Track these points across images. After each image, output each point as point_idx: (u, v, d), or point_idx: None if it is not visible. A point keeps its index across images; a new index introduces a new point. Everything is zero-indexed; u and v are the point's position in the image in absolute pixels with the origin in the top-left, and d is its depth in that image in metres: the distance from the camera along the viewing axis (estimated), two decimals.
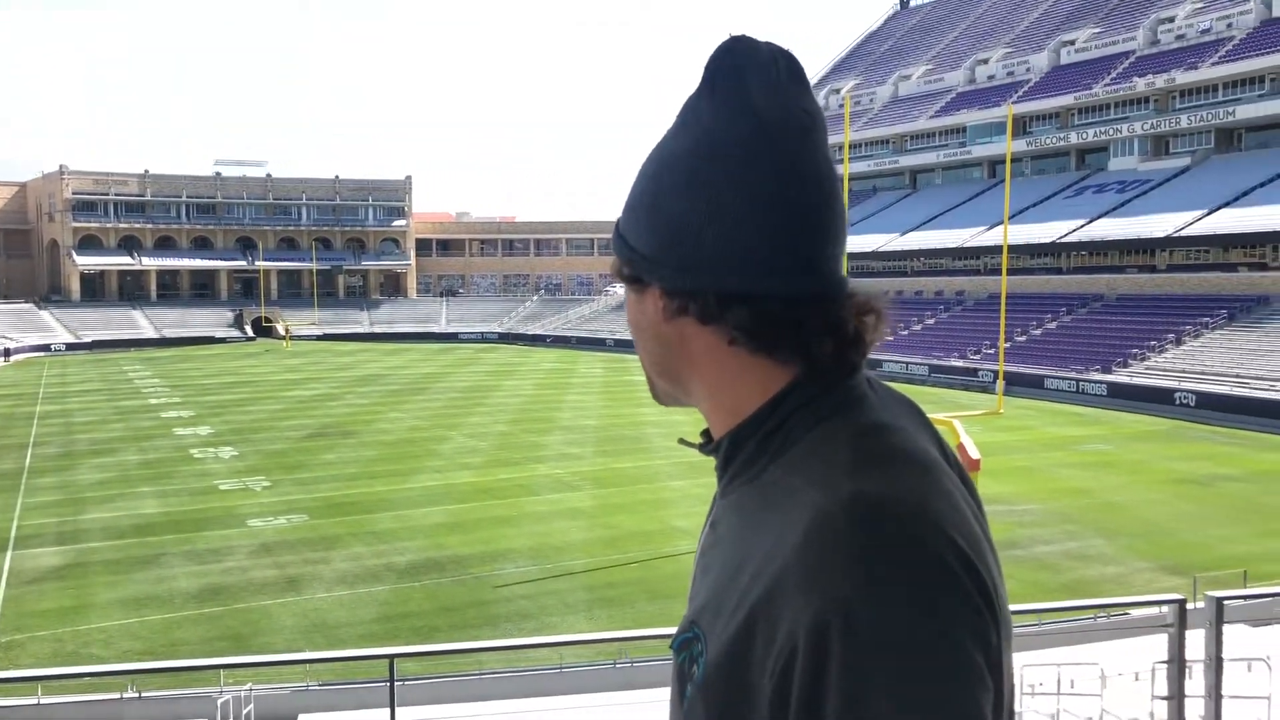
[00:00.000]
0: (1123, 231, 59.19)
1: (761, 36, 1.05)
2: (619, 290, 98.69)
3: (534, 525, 22.76)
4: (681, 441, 1.19)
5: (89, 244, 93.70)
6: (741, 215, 1.00)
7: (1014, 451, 31.13)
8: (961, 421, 23.30)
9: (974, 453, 20.77)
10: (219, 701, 10.14)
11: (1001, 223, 40.90)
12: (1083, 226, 61.98)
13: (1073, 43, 77.92)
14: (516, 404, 44.38)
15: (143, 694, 11.96)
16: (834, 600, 0.88)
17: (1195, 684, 4.74)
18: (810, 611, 0.89)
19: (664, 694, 1.18)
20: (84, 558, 20.51)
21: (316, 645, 15.36)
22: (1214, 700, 4.30)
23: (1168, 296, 54.20)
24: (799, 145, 1.01)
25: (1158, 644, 4.84)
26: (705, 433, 1.15)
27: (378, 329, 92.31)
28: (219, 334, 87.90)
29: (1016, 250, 60.25)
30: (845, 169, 39.93)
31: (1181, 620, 4.19)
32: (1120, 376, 46.14)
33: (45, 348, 77.31)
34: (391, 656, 5.04)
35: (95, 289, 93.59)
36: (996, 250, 58.23)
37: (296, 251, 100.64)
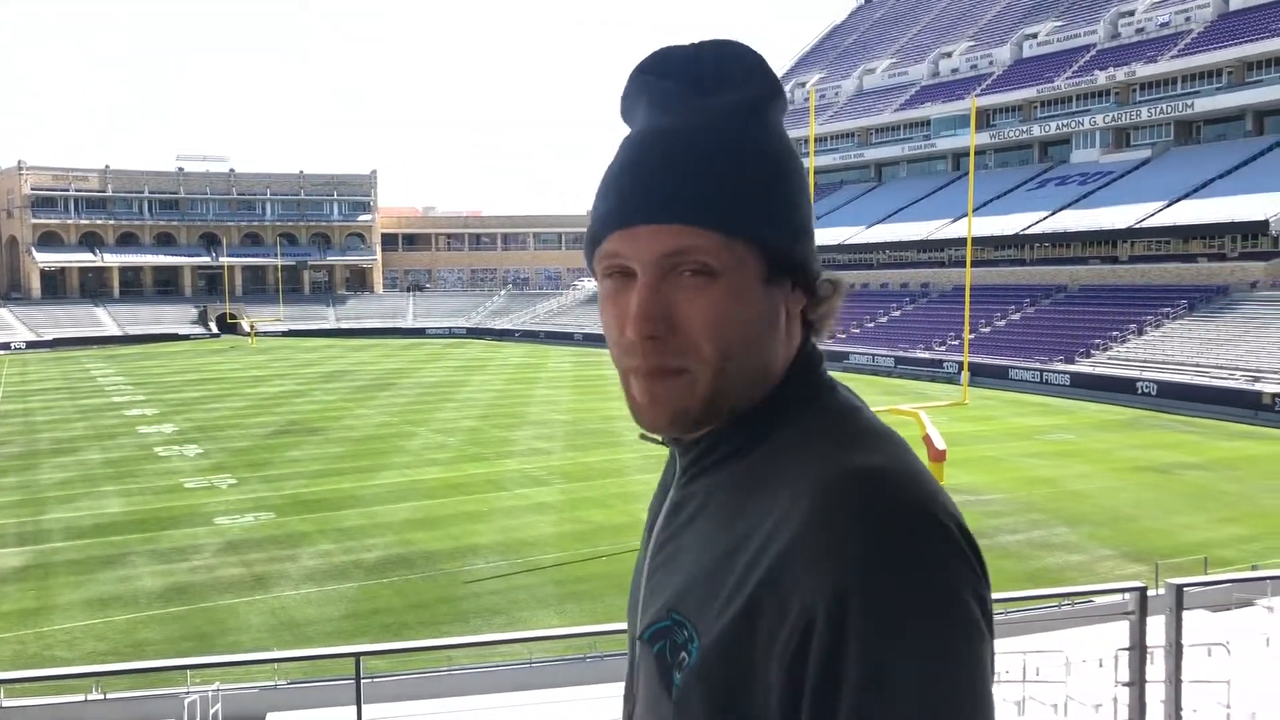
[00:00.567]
0: (1085, 223, 59.82)
1: (728, 33, 1.10)
2: (587, 284, 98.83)
3: (503, 520, 22.73)
4: (644, 437, 1.17)
5: (49, 241, 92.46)
6: (807, 206, 1.09)
7: (979, 442, 31.41)
8: (927, 412, 23.44)
9: (939, 443, 20.91)
10: (186, 701, 10.06)
11: (966, 215, 41.21)
12: (1046, 218, 62.58)
13: (1035, 36, 78.59)
14: (485, 399, 44.27)
15: (108, 695, 11.85)
16: (851, 572, 0.90)
17: (1157, 669, 4.82)
18: (828, 584, 0.91)
19: None
20: (46, 558, 20.27)
21: (284, 643, 15.27)
22: (1174, 685, 4.37)
23: (1129, 287, 54.85)
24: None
25: (1121, 631, 4.92)
26: None
27: (344, 325, 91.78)
28: (183, 331, 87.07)
29: (981, 242, 60.76)
30: (811, 163, 40.11)
31: (1142, 608, 4.26)
32: (1083, 366, 46.66)
33: (5, 346, 76.28)
34: (357, 655, 5.02)
35: (56, 286, 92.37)
36: (961, 242, 58.65)
37: (261, 247, 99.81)
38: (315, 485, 26.59)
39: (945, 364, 50.89)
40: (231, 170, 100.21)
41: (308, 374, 56.26)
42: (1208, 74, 62.87)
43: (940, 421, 28.91)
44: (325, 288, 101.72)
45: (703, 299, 1.02)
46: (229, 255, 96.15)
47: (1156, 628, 4.68)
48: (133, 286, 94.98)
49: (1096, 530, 21.42)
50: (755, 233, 1.03)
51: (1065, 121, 69.97)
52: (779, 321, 1.07)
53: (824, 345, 1.13)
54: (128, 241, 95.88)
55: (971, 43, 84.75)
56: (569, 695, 10.82)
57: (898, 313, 63.12)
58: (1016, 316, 57.02)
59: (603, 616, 16.07)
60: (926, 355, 53.66)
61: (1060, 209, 63.07)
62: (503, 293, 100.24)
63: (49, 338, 79.47)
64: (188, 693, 10.39)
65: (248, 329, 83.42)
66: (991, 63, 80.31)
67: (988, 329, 55.45)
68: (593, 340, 76.84)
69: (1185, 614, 4.62)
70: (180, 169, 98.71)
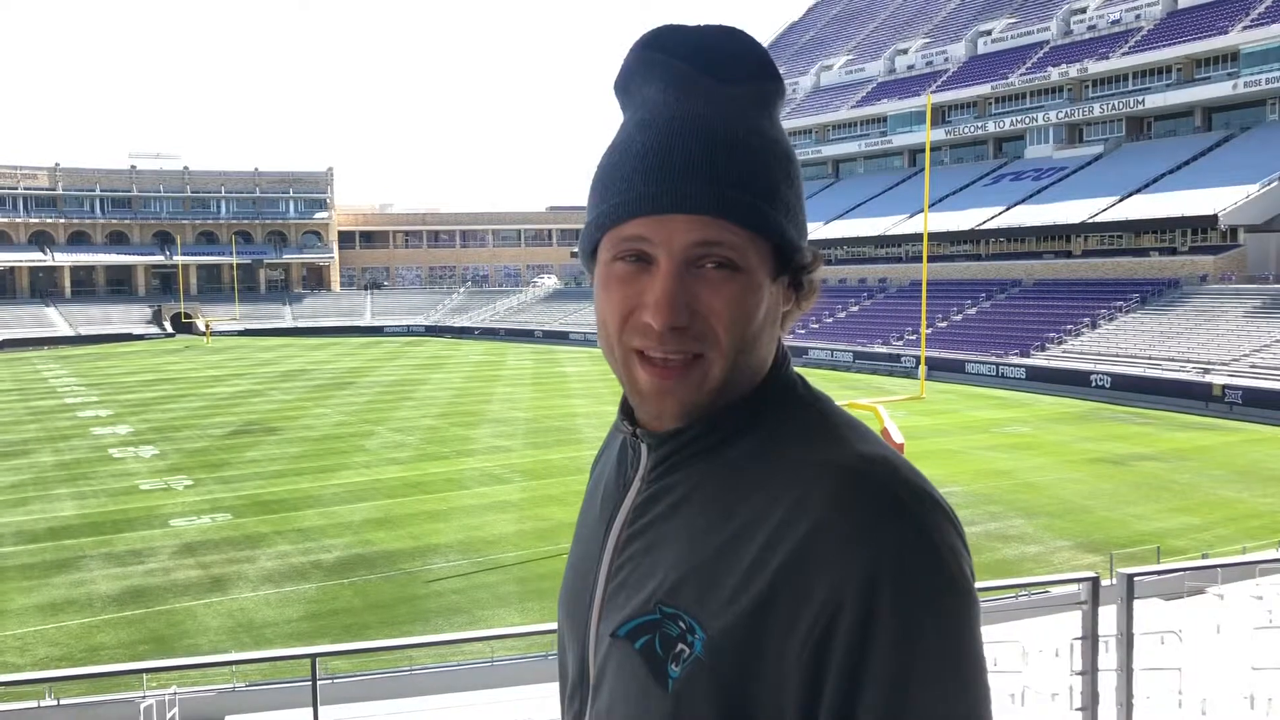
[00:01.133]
0: (1039, 218, 60.53)
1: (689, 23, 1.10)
2: (547, 281, 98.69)
3: (464, 519, 22.65)
4: (622, 429, 1.17)
5: None
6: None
7: (937, 435, 31.70)
8: (886, 406, 23.66)
9: (898, 437, 21.08)
10: (142, 706, 9.95)
11: (922, 211, 41.59)
12: (1001, 214, 63.25)
13: (989, 33, 79.39)
14: (444, 397, 44.06)
15: (61, 701, 11.68)
16: (881, 554, 0.93)
17: (1110, 658, 4.90)
18: (858, 566, 0.93)
19: None
20: None
21: (243, 645, 15.13)
22: (1125, 674, 4.44)
23: (1083, 281, 55.58)
24: None
25: (1075, 620, 4.99)
26: (631, 417, 1.14)
27: (301, 323, 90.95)
28: (137, 331, 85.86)
29: (937, 238, 61.31)
30: None
31: (1094, 597, 4.33)
32: (1038, 360, 47.23)
33: None
34: (313, 656, 4.99)
35: (5, 286, 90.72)
36: (917, 238, 59.19)
37: (216, 245, 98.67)
38: (273, 486, 26.35)
39: (903, 358, 51.32)
40: (186, 168, 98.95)
41: (265, 373, 55.71)
42: (1158, 71, 63.84)
43: (898, 415, 29.19)
44: (282, 286, 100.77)
45: (724, 292, 1.02)
46: (183, 254, 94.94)
47: (1109, 617, 4.76)
48: (85, 286, 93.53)
49: (1052, 521, 21.71)
50: (778, 232, 1.04)
51: (1019, 118, 70.77)
52: (778, 317, 1.08)
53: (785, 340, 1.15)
54: (79, 240, 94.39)
55: (927, 40, 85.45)
56: (531, 694, 10.80)
57: (856, 308, 63.55)
58: (973, 311, 57.60)
59: None
60: (885, 350, 54.08)
61: (1015, 204, 63.78)
62: (461, 290, 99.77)
63: None
64: (144, 697, 10.28)
65: (203, 328, 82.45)
66: (947, 59, 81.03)
67: (944, 324, 55.97)
68: (553, 337, 76.71)
69: (1139, 603, 4.69)
70: (133, 167, 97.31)
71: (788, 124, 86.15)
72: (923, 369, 33.20)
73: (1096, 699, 4.57)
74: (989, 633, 11.46)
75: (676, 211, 1.01)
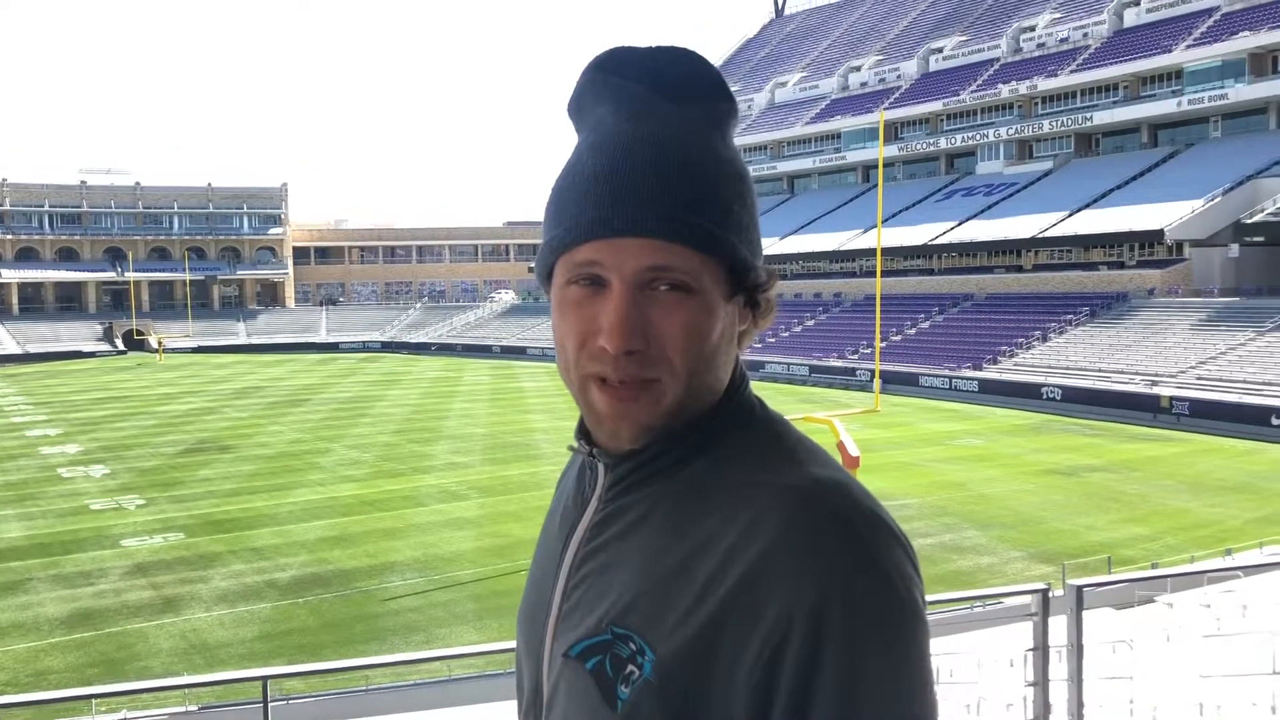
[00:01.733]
0: (990, 233, 61.34)
1: (641, 44, 1.10)
2: (505, 296, 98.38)
3: (421, 536, 22.50)
4: (573, 448, 1.16)
5: None
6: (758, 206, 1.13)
7: (891, 448, 31.97)
8: (841, 420, 23.82)
9: (853, 450, 21.23)
10: None
11: (876, 226, 42.02)
12: (953, 229, 64.03)
13: (940, 50, 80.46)
14: (401, 414, 43.78)
15: None
16: (833, 577, 0.94)
17: (1062, 668, 4.98)
18: (810, 589, 0.94)
19: None
20: None
21: (196, 668, 14.90)
22: (1076, 684, 4.52)
23: (1034, 295, 56.36)
24: None
25: (1029, 631, 5.06)
26: (586, 437, 1.13)
27: (255, 340, 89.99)
28: (88, 348, 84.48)
29: (890, 253, 61.91)
30: None
31: (1044, 609, 4.41)
32: (990, 373, 47.79)
33: None
34: (264, 678, 4.94)
35: None
36: (871, 253, 59.69)
37: (169, 262, 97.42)
38: (227, 504, 26.03)
39: (858, 372, 51.73)
40: (137, 184, 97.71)
41: (218, 391, 55.05)
42: (1105, 88, 65.05)
43: (854, 428, 29.40)
44: (236, 302, 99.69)
45: (678, 315, 1.02)
46: (135, 270, 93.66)
47: (1060, 627, 4.84)
48: (33, 303, 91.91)
49: (1006, 533, 21.96)
50: (731, 253, 1.04)
51: (971, 134, 71.75)
52: (734, 337, 1.09)
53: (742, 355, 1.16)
54: (27, 256, 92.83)
55: (880, 57, 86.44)
56: (489, 713, 10.75)
57: (811, 322, 63.99)
58: (926, 325, 58.20)
59: None
60: (840, 363, 54.49)
61: (967, 219, 64.60)
62: (418, 306, 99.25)
63: None
64: None
65: (155, 345, 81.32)
66: (899, 77, 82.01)
67: (898, 337, 56.51)
68: (511, 353, 76.51)
69: (1090, 613, 4.78)
70: (83, 182, 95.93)
71: (743, 140, 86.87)
72: (877, 382, 33.53)
73: (1048, 709, 4.65)
74: (944, 644, 11.56)
75: (628, 235, 1.01)
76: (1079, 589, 4.40)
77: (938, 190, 71.89)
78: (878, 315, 33.83)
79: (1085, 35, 69.51)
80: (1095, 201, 58.69)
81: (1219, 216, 51.38)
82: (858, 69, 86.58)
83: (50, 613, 17.78)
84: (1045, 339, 50.27)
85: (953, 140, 72.85)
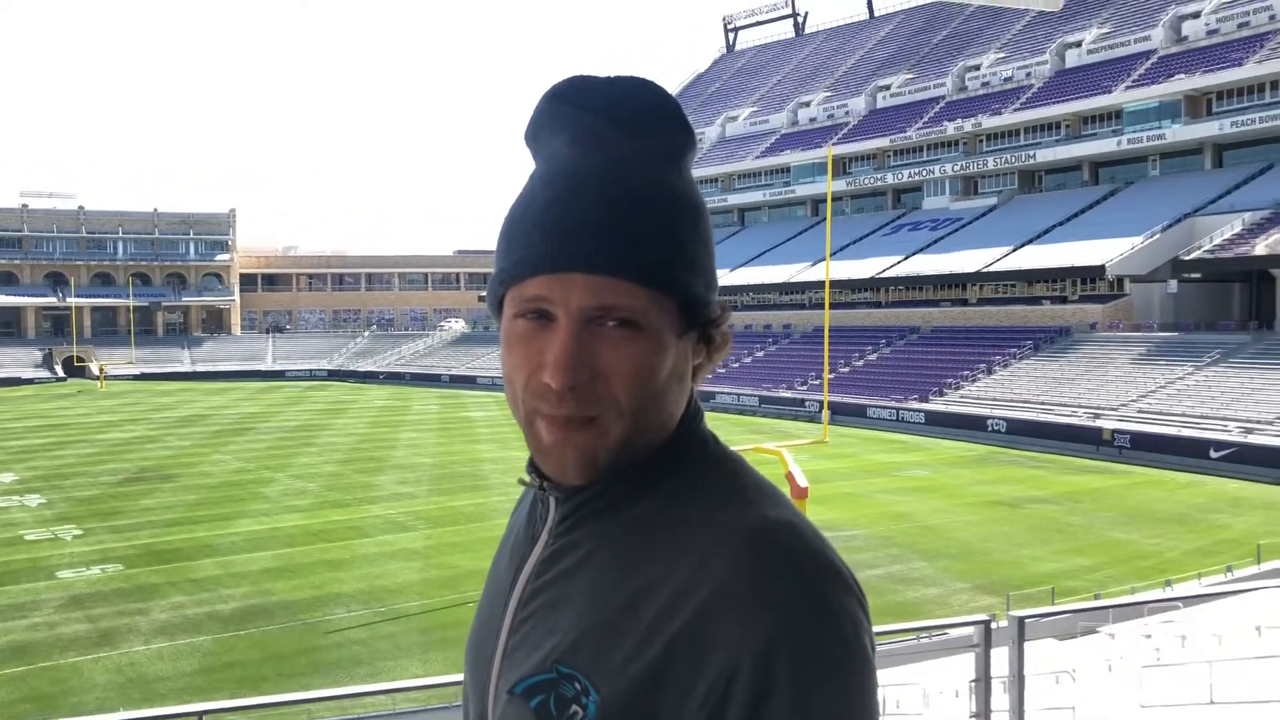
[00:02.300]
0: (936, 267, 62.25)
1: (599, 74, 1.09)
2: (454, 325, 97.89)
3: (366, 567, 22.23)
4: (523, 481, 1.14)
5: None
6: (713, 240, 1.10)
7: (839, 478, 32.18)
8: (790, 450, 23.95)
9: (802, 481, 21.32)
10: None
11: (825, 259, 42.46)
12: (900, 262, 64.89)
13: (888, 88, 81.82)
14: (347, 443, 43.32)
15: None
16: (779, 621, 0.92)
17: (1006, 699, 5.03)
18: (758, 633, 0.92)
19: None
20: None
21: (133, 702, 14.57)
22: (1017, 715, 4.57)
23: (979, 329, 57.19)
24: None
25: (973, 662, 5.11)
26: (536, 470, 1.10)
27: (200, 367, 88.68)
28: (26, 375, 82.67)
29: (839, 285, 62.58)
30: None
31: (986, 640, 4.46)
32: (936, 405, 48.34)
33: None
34: (204, 712, 4.86)
35: None
36: (820, 285, 60.28)
37: (112, 287, 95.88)
38: (168, 534, 25.55)
39: (807, 403, 52.07)
40: (81, 208, 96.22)
41: (161, 419, 54.15)
42: (1047, 126, 66.51)
43: (802, 459, 29.55)
44: (180, 329, 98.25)
45: (625, 351, 1.00)
46: (77, 295, 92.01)
47: (1003, 659, 4.89)
48: None
49: (952, 564, 22.15)
50: (682, 290, 1.03)
51: (917, 170, 72.93)
52: (687, 372, 1.06)
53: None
54: None
55: (829, 93, 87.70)
56: None
57: (761, 353, 64.39)
58: (874, 356, 58.79)
59: None
60: (789, 394, 54.84)
61: (913, 253, 65.51)
62: (366, 334, 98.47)
63: None
64: None
65: (97, 372, 79.85)
66: (848, 113, 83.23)
67: (847, 369, 57.01)
68: (460, 382, 76.08)
69: (1034, 643, 4.84)
70: (24, 205, 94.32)
71: (694, 172, 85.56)
72: (826, 414, 33.78)
73: None
74: (891, 675, 11.63)
75: (575, 271, 0.99)
76: (1020, 620, 4.46)
77: (885, 224, 72.87)
78: (826, 347, 34.17)
79: (1028, 75, 71.07)
80: (1038, 237, 59.80)
81: (1158, 253, 52.58)
82: (807, 105, 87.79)
83: None
84: (990, 372, 50.98)
85: (900, 176, 74.00)
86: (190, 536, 25.33)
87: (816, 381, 54.13)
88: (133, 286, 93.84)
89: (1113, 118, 62.79)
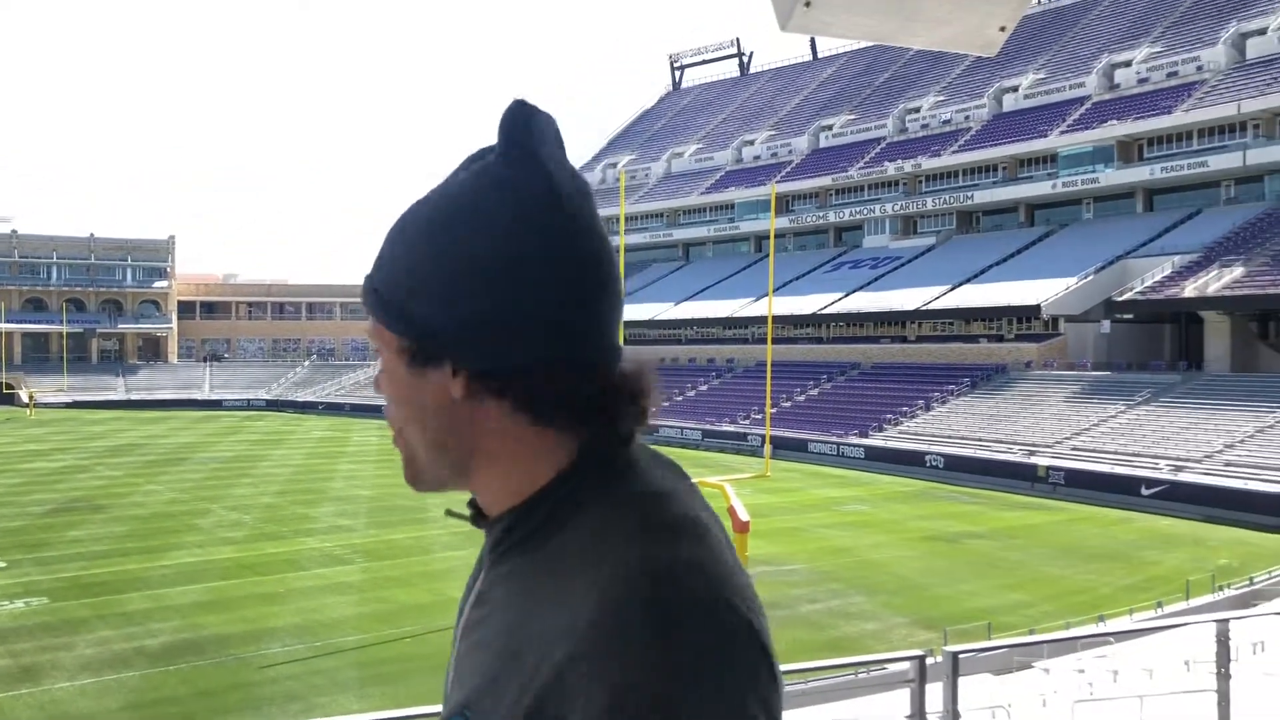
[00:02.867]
0: (876, 304, 63.11)
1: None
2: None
3: (302, 601, 21.85)
4: (450, 514, 1.13)
5: None
6: (532, 288, 0.97)
7: (780, 513, 32.31)
8: (732, 484, 24.04)
9: (743, 515, 21.40)
10: None
11: (767, 295, 42.88)
12: (841, 299, 65.69)
13: (830, 128, 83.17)
14: (285, 474, 42.67)
15: None
16: (627, 683, 0.85)
17: None
18: (605, 695, 0.85)
19: None
20: None
21: None
22: None
23: (918, 365, 57.98)
24: (580, 214, 0.99)
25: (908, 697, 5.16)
26: (473, 503, 1.09)
27: (135, 396, 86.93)
28: None
29: (781, 321, 63.13)
30: (621, 241, 41.01)
31: (921, 675, 4.51)
32: (876, 440, 48.83)
33: None
34: None
35: None
36: (763, 320, 60.75)
37: (44, 313, 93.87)
38: (96, 567, 24.93)
39: (749, 437, 52.32)
40: (13, 231, 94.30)
41: (92, 448, 52.94)
42: (985, 168, 67.98)
43: (744, 494, 29.64)
44: (115, 357, 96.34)
45: (383, 385, 1.06)
46: (7, 320, 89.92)
47: (939, 694, 4.95)
48: None
49: (891, 599, 22.31)
50: (397, 319, 1.01)
51: (858, 209, 74.07)
52: (467, 417, 1.02)
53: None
54: None
55: (772, 132, 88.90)
56: None
57: (705, 387, 64.65)
58: (815, 392, 59.30)
59: (407, 700, 15.61)
60: (732, 428, 55.09)
61: (854, 290, 66.37)
62: (307, 363, 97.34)
63: None
64: None
65: (26, 399, 77.96)
66: (791, 151, 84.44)
67: (789, 403, 57.42)
68: None
69: (969, 679, 4.90)
70: None
71: (641, 207, 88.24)
72: (768, 448, 33.95)
73: None
74: (828, 711, 11.67)
75: None
76: (955, 656, 4.52)
77: (827, 261, 73.79)
78: (769, 382, 34.41)
79: (967, 118, 72.65)
80: (976, 276, 60.89)
81: (1091, 294, 53.79)
82: (751, 143, 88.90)
83: None
84: (929, 408, 51.64)
85: (841, 214, 75.11)
86: (120, 569, 24.74)
87: (759, 416, 54.43)
88: (66, 312, 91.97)
89: (1048, 161, 64.34)
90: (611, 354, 1.02)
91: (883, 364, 60.13)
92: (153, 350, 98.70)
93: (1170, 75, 62.45)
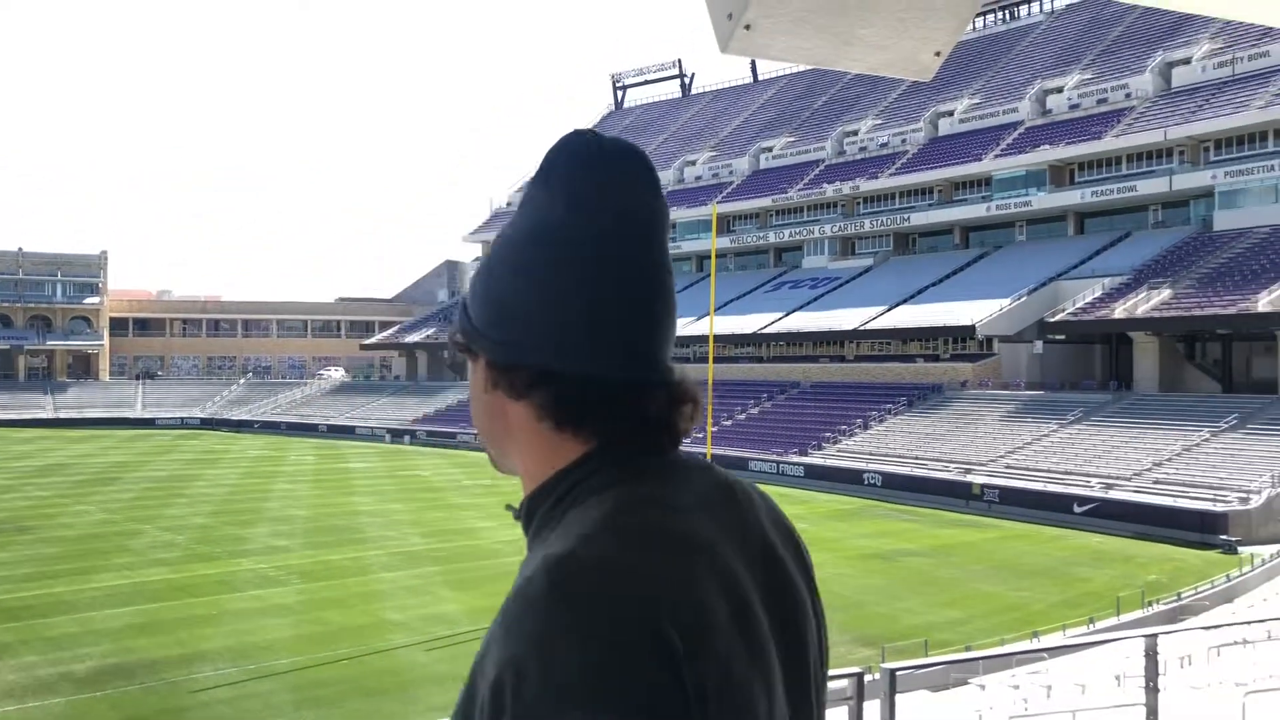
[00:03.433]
0: (815, 324, 63.72)
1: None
2: (333, 374, 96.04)
3: (235, 624, 21.45)
4: (509, 508, 1.18)
5: None
6: (561, 299, 1.05)
7: None
8: None
9: None
10: None
11: (709, 314, 43.12)
12: (781, 319, 66.24)
13: (770, 150, 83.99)
14: (219, 494, 41.91)
15: None
16: (511, 657, 0.91)
17: None
18: (495, 669, 0.92)
19: None
20: None
21: None
22: None
23: (856, 384, 58.57)
24: (624, 236, 1.07)
25: (846, 716, 5.19)
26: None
27: (64, 414, 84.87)
28: None
29: (722, 340, 63.52)
30: None
31: (859, 693, 4.54)
32: (815, 458, 49.18)
33: None
34: None
35: None
36: (705, 339, 61.06)
37: None
38: (21, 590, 24.26)
39: None
40: None
41: (18, 468, 51.58)
42: (921, 191, 69.10)
43: None
44: (44, 374, 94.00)
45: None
46: None
47: (876, 712, 4.99)
48: None
49: (830, 616, 21.94)
50: (462, 325, 1.15)
51: (798, 230, 74.84)
52: (511, 419, 1.11)
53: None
54: None
55: (714, 153, 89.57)
56: None
57: None
58: (755, 410, 59.63)
59: None
60: None
61: (794, 310, 66.97)
62: (242, 381, 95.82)
63: None
64: None
65: None
66: (732, 172, 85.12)
67: (729, 422, 57.65)
68: (338, 432, 74.52)
69: (907, 695, 4.95)
70: None
71: None
72: None
73: None
74: None
75: None
76: (892, 673, 4.56)
77: (767, 282, 74.38)
78: (709, 400, 34.46)
79: (904, 141, 73.80)
80: (912, 297, 61.75)
81: (1025, 315, 54.78)
82: (693, 163, 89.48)
83: None
84: (867, 426, 52.16)
85: (781, 235, 75.83)
86: (46, 592, 24.10)
87: (700, 434, 54.50)
88: None
89: (983, 184, 65.54)
90: (640, 372, 1.09)
91: (822, 383, 60.65)
92: (84, 368, 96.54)
93: (1100, 102, 63.99)
